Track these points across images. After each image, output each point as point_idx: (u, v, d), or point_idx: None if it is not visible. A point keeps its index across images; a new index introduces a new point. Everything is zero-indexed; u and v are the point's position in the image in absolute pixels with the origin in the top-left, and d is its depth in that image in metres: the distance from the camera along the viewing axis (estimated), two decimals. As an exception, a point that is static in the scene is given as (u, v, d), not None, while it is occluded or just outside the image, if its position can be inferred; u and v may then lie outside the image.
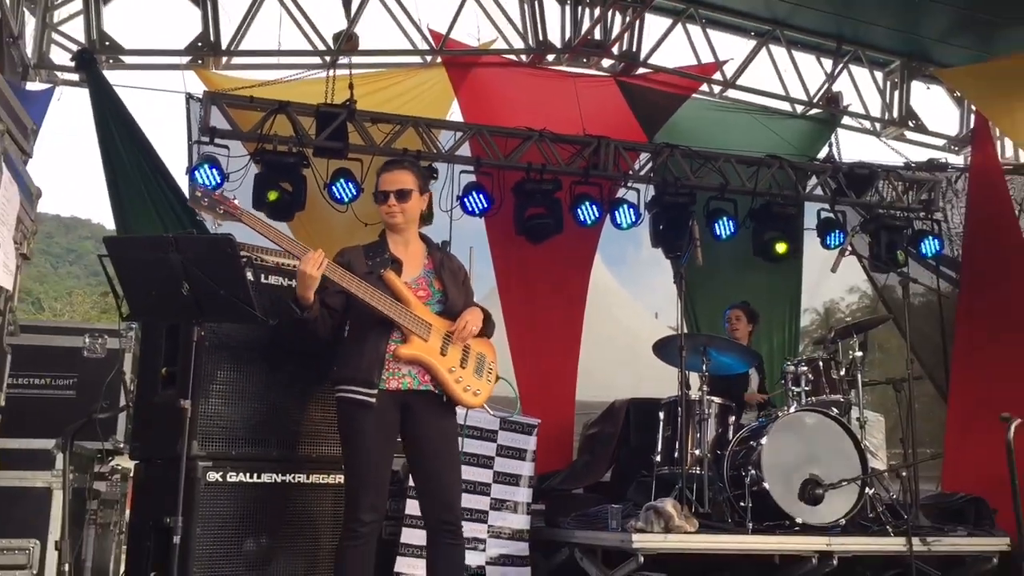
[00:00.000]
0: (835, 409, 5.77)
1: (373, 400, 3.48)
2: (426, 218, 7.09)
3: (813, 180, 8.69)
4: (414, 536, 5.20)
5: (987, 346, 7.63)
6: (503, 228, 7.73)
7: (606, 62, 8.32)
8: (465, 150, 7.68)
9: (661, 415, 6.04)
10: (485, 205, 7.48)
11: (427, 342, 3.56)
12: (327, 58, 7.51)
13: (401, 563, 5.22)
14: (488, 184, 7.57)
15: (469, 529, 5.42)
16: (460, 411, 3.78)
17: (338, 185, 7.01)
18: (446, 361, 3.58)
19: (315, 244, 3.66)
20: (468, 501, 5.51)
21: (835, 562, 5.21)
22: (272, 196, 6.83)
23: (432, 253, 3.79)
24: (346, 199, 7.02)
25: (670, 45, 8.42)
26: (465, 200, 7.46)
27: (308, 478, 4.03)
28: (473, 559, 5.43)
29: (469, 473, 5.54)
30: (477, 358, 3.68)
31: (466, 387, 3.61)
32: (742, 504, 5.32)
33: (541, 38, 8.05)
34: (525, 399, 7.37)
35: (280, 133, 7.00)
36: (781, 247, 8.34)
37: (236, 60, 7.61)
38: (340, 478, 3.87)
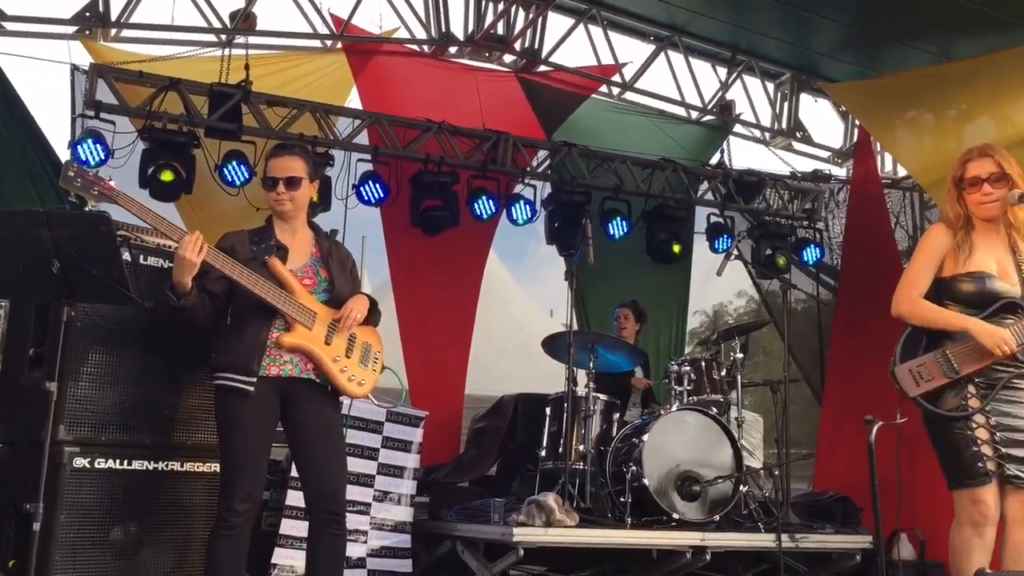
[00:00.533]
0: (715, 408, 5.91)
1: (251, 388, 3.40)
2: (317, 206, 7.05)
3: (704, 185, 8.86)
4: (294, 527, 5.11)
5: (860, 353, 7.91)
6: (399, 219, 7.66)
7: (508, 57, 8.32)
8: (363, 138, 7.56)
9: (548, 410, 6.08)
10: (381, 195, 7.38)
11: (311, 331, 3.49)
12: (222, 36, 7.30)
13: (279, 554, 5.13)
14: (385, 174, 7.47)
15: (351, 521, 5.35)
16: (345, 401, 3.73)
17: (230, 167, 6.81)
18: (331, 350, 3.52)
19: (204, 228, 3.56)
20: (351, 493, 5.41)
21: (708, 557, 5.34)
22: (167, 176, 6.60)
23: (320, 241, 3.72)
24: (238, 182, 6.83)
25: (572, 45, 8.49)
26: (361, 189, 7.35)
27: (182, 466, 3.91)
28: (354, 551, 5.36)
29: (353, 464, 5.46)
30: (363, 347, 3.63)
31: (351, 376, 3.56)
32: (622, 499, 5.39)
33: (444, 30, 8.00)
34: (414, 391, 7.40)
35: (170, 111, 6.77)
36: (677, 248, 8.49)
37: (126, 33, 7.32)
38: (216, 467, 3.76)
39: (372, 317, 3.69)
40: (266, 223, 3.69)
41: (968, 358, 3.48)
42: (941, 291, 3.63)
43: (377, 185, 7.37)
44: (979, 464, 3.42)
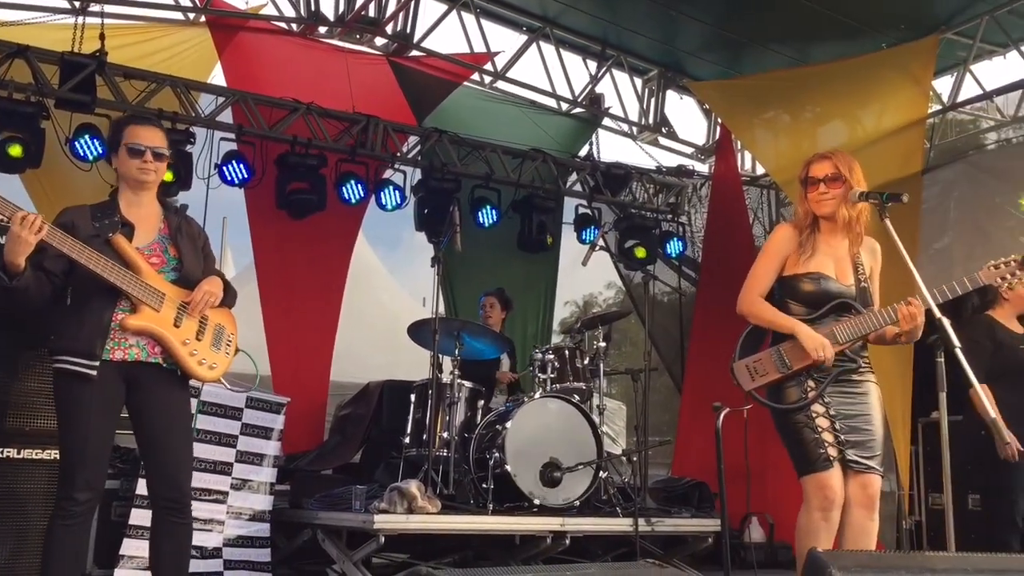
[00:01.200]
0: (577, 396, 5.98)
1: (93, 372, 3.21)
2: (174, 184, 6.77)
3: (573, 176, 8.96)
4: (145, 517, 4.85)
5: (718, 344, 8.15)
6: (263, 201, 7.44)
7: (379, 40, 8.18)
8: (226, 116, 7.31)
9: (413, 398, 6.04)
10: (245, 175, 7.15)
11: (159, 312, 3.31)
12: (76, 3, 6.89)
13: (128, 545, 4.91)
14: (249, 154, 7.24)
15: (207, 510, 5.25)
16: (200, 387, 3.58)
17: (82, 141, 6.44)
18: (180, 333, 3.36)
19: (54, 205, 3.35)
20: (207, 481, 5.30)
21: (567, 541, 5.40)
22: (15, 151, 6.19)
23: (168, 217, 3.53)
24: (91, 157, 6.47)
25: (444, 31, 8.40)
26: (224, 169, 7.10)
27: (19, 453, 3.72)
28: (209, 540, 5.22)
29: (210, 452, 5.33)
30: (215, 330, 3.48)
31: (201, 360, 3.41)
32: (485, 486, 5.40)
33: (313, 8, 7.78)
34: (278, 377, 7.25)
35: (17, 79, 6.36)
36: (549, 239, 8.57)
37: (-31, -4, 6.83)
38: (56, 454, 3.55)
39: (227, 298, 3.55)
40: (110, 198, 3.48)
41: (799, 354, 3.64)
42: (784, 289, 3.77)
43: (241, 165, 7.13)
44: (821, 451, 3.57)
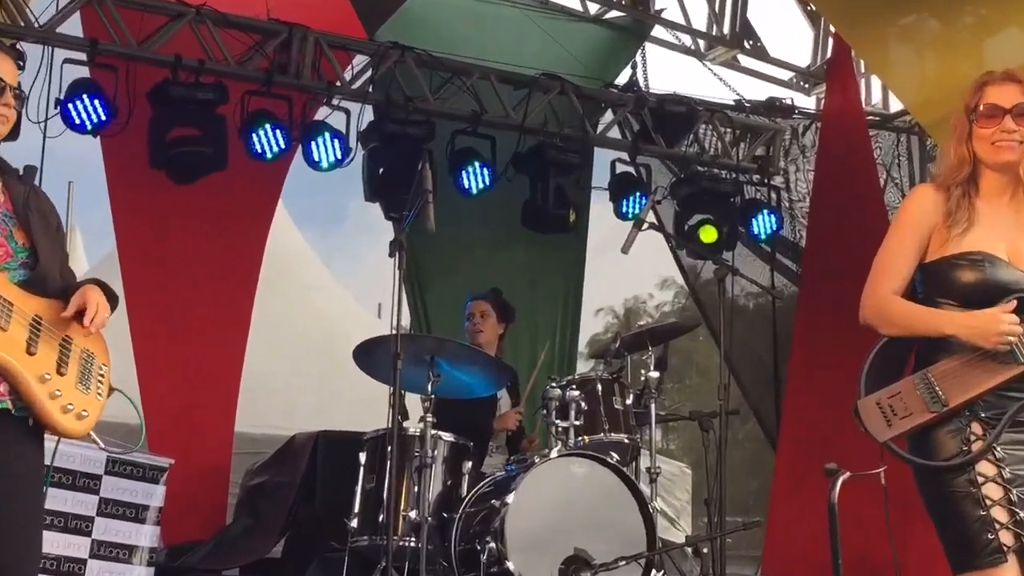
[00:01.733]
0: (616, 455, 5.99)
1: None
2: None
3: (608, 116, 9.01)
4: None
5: (834, 370, 8.15)
6: (130, 156, 7.49)
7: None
8: (73, 26, 7.35)
9: (363, 457, 6.06)
10: (103, 117, 7.18)
11: (6, 332, 3.30)
12: None
13: None
14: (109, 84, 7.27)
15: None
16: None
17: None
18: (36, 364, 3.31)
19: None
20: (48, 587, 5.34)
21: None
22: None
23: (10, 186, 3.54)
24: None
25: None
26: (70, 107, 7.13)
27: None
28: None
29: (51, 543, 5.34)
30: (82, 359, 3.47)
31: (67, 405, 3.37)
32: (476, 593, 5.43)
33: None
34: (155, 427, 7.20)
35: None
36: (571, 216, 8.63)
37: None
38: None
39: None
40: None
41: (959, 381, 3.59)
42: (929, 281, 3.75)
43: (96, 101, 7.17)
44: (989, 536, 3.57)
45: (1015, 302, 3.60)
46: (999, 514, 3.54)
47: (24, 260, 3.42)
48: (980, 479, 3.56)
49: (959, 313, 3.62)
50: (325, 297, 11.91)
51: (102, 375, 3.55)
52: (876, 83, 9.88)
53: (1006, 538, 3.55)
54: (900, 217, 3.86)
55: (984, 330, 3.57)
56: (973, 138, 3.77)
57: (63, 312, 3.43)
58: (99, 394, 3.52)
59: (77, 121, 7.17)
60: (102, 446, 3.75)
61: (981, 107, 3.76)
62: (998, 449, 3.58)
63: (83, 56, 7.32)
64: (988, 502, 3.55)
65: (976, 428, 3.58)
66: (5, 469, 3.34)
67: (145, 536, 5.67)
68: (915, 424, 3.62)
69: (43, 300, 3.41)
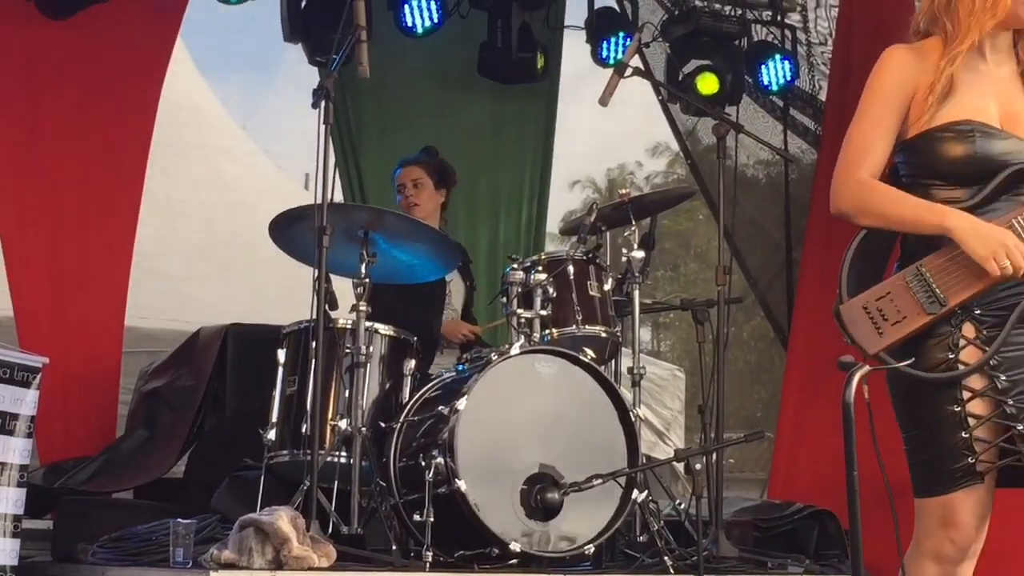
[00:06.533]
0: (591, 352, 6.01)
1: None
2: None
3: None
4: None
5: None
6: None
7: None
8: None
9: (282, 356, 6.09)
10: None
11: None
12: None
13: None
14: None
15: None
16: None
17: None
18: None
19: None
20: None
21: (574, 620, 5.52)
22: None
23: None
24: None
25: None
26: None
27: None
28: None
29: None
30: None
31: None
32: (418, 518, 5.46)
33: None
34: (27, 319, 7.38)
35: None
36: (540, 59, 8.68)
37: None
38: None
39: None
40: None
41: (960, 275, 3.64)
42: (911, 160, 3.82)
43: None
44: (966, 460, 3.65)
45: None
46: (982, 431, 3.62)
47: None
48: (967, 395, 3.63)
49: (965, 214, 3.65)
50: (237, 164, 11.85)
51: None
52: None
53: (988, 457, 3.65)
54: (873, 84, 3.87)
55: (987, 237, 3.60)
56: None
57: None
58: None
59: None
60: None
61: None
62: (995, 357, 3.64)
63: None
64: (972, 421, 3.63)
65: (967, 330, 3.63)
66: None
67: (14, 451, 5.64)
68: (911, 330, 3.65)
69: None
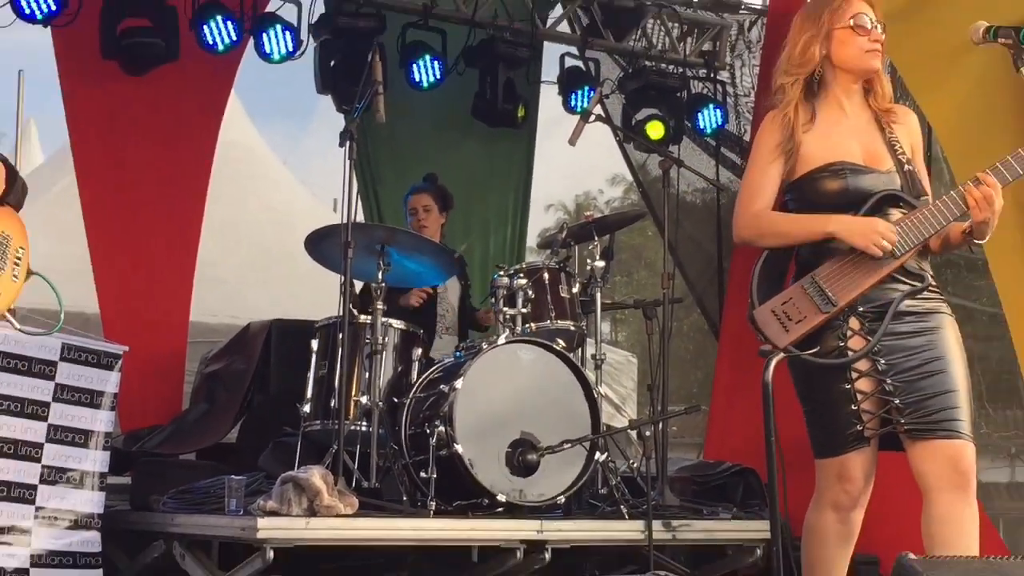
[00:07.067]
0: (562, 342, 5.99)
1: None
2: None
3: (557, 10, 8.95)
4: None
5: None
6: (82, 46, 7.33)
7: None
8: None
9: (315, 345, 6.08)
10: (52, 7, 7.02)
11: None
12: None
13: None
14: (59, -28, 7.12)
15: (5, 513, 5.31)
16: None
17: None
18: (-56, 244, 3.31)
19: None
20: (5, 470, 5.35)
21: (548, 555, 5.48)
22: None
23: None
24: None
25: None
26: (20, -4, 6.99)
27: None
28: (7, 558, 5.26)
29: (7, 427, 5.35)
30: (-3, 240, 3.45)
31: (-24, 285, 3.37)
32: (424, 475, 5.46)
33: None
34: (111, 315, 7.32)
35: None
36: (520, 111, 8.62)
37: None
38: None
39: (10, 194, 3.50)
40: None
41: (844, 280, 3.72)
42: (798, 198, 3.89)
43: (48, -10, 7.01)
44: (855, 428, 3.72)
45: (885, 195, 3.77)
46: (868, 404, 3.69)
47: None
48: (854, 375, 3.70)
49: (842, 216, 3.74)
50: (279, 191, 11.83)
51: (19, 258, 3.51)
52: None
53: (872, 425, 3.74)
54: (756, 143, 3.99)
55: (863, 230, 3.69)
56: (834, 44, 3.82)
57: None
58: (14, 276, 3.50)
59: (27, 10, 7.00)
60: (16, 326, 3.66)
61: (853, 18, 3.83)
62: (877, 344, 3.68)
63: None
64: (860, 396, 3.69)
65: (853, 323, 3.70)
66: None
67: (100, 421, 5.62)
68: (811, 326, 3.71)
69: None
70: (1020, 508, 7.33)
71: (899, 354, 3.69)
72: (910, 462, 3.70)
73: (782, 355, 3.45)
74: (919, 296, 3.75)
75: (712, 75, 9.36)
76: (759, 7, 9.54)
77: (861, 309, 3.71)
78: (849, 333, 3.70)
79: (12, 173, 3.52)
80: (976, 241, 3.76)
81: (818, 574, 3.85)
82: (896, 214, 3.75)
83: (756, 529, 6.08)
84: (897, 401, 3.66)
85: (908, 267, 3.74)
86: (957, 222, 3.72)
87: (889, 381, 3.67)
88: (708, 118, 9.07)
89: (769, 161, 3.88)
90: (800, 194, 3.85)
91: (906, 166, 3.82)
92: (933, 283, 3.81)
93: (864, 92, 3.93)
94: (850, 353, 3.68)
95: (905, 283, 3.73)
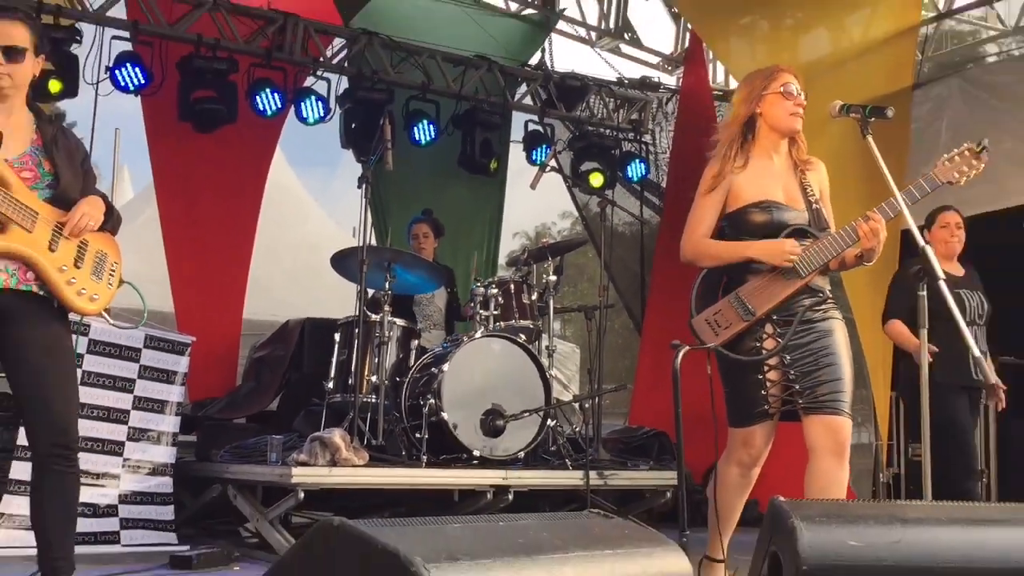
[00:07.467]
0: (523, 336, 5.99)
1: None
2: (64, 93, 6.60)
3: (523, 87, 8.91)
4: (26, 471, 4.81)
5: (684, 278, 8.18)
6: (164, 111, 7.27)
7: (299, -73, 7.97)
8: (119, 11, 7.11)
9: (337, 337, 6.03)
10: (142, 81, 6.98)
11: (31, 234, 3.21)
12: None
13: (8, 502, 4.89)
14: (147, 56, 7.06)
15: (100, 463, 5.25)
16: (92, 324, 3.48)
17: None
18: (56, 258, 3.27)
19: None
20: (99, 430, 5.29)
21: (511, 496, 5.48)
22: None
23: (42, 126, 3.41)
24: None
25: (375, -83, 8.21)
26: (117, 72, 6.92)
27: None
28: (103, 496, 5.23)
29: (102, 397, 5.33)
30: (96, 257, 3.40)
31: (80, 290, 3.33)
32: (418, 436, 5.44)
33: None
34: (183, 315, 7.22)
35: None
36: (493, 164, 8.57)
37: None
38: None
39: (109, 222, 3.46)
40: (-31, 105, 3.36)
41: (762, 295, 3.68)
42: (734, 226, 3.81)
43: (137, 69, 6.96)
44: (763, 406, 3.69)
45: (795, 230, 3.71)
46: (774, 390, 3.68)
47: (49, 183, 3.36)
48: (766, 367, 3.67)
49: (758, 241, 3.69)
50: (310, 221, 11.77)
51: (113, 270, 3.48)
52: (720, 67, 9.81)
53: (776, 405, 3.71)
54: (700, 186, 3.88)
55: (776, 251, 3.66)
56: (765, 105, 3.79)
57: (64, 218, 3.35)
58: (110, 284, 3.46)
59: (122, 84, 6.99)
60: (111, 322, 3.63)
61: (783, 86, 3.79)
62: (786, 343, 3.66)
63: (127, 34, 7.10)
64: (769, 383, 3.66)
65: (768, 328, 3.68)
66: (42, 338, 3.30)
67: (174, 394, 5.60)
68: (735, 332, 3.70)
69: (64, 212, 3.33)
70: (863, 463, 7.36)
71: (801, 351, 3.64)
72: (804, 431, 3.65)
73: (687, 348, 3.42)
74: (818, 307, 3.70)
75: (638, 137, 9.34)
76: (674, 87, 9.61)
77: (774, 318, 3.66)
78: (764, 336, 3.66)
79: (109, 207, 3.48)
80: (866, 263, 3.73)
81: (721, 511, 3.82)
82: (804, 244, 3.69)
83: (666, 478, 6.10)
84: (797, 386, 3.62)
85: (812, 284, 3.69)
86: (851, 249, 3.67)
87: (792, 372, 3.63)
88: (635, 170, 9.07)
89: (707, 200, 3.81)
90: (734, 223, 3.78)
91: (814, 205, 3.76)
92: (830, 296, 3.77)
93: (788, 144, 3.85)
94: (764, 351, 3.65)
95: (808, 297, 3.69)
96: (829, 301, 3.77)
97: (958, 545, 2.58)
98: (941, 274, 3.49)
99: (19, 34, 3.33)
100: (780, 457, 3.91)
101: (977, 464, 5.41)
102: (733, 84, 9.62)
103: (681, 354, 3.38)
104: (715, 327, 3.71)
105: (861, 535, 2.55)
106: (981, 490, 6.35)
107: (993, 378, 4.71)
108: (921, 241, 3.52)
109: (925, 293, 3.65)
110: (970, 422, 5.24)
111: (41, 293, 3.29)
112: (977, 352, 3.58)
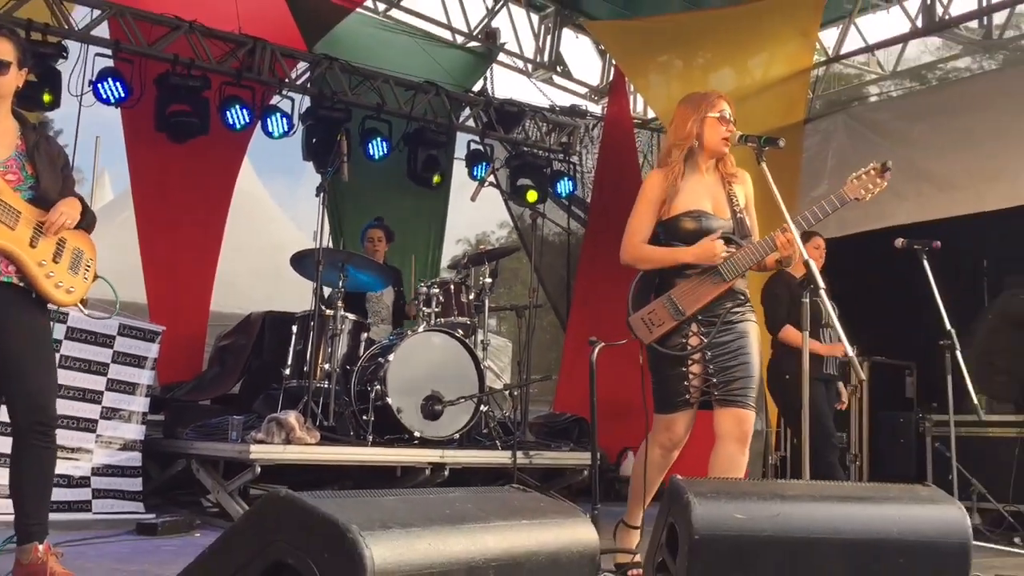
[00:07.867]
0: (461, 331, 6.00)
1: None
2: (50, 104, 6.46)
3: (466, 111, 8.89)
4: (6, 445, 4.72)
5: (604, 283, 8.28)
6: (142, 122, 7.13)
7: (269, -40, 7.88)
8: (103, 31, 6.95)
9: (295, 328, 5.99)
10: (122, 94, 6.84)
11: (13, 231, 3.15)
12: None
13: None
14: (127, 72, 6.92)
15: (75, 438, 5.15)
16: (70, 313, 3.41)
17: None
18: (35, 254, 3.21)
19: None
20: (75, 409, 5.20)
21: (447, 473, 5.49)
22: None
23: (26, 133, 3.34)
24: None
25: (337, -46, 8.14)
26: (99, 86, 6.77)
27: None
28: (76, 469, 5.13)
29: (78, 379, 5.23)
30: (73, 253, 3.34)
31: (57, 283, 3.27)
32: (365, 418, 5.42)
33: (198, -77, 7.43)
34: (155, 305, 7.09)
35: None
36: (436, 178, 8.54)
37: None
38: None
39: (84, 221, 3.40)
40: (-42, 113, 3.28)
41: (691, 297, 3.69)
42: (667, 232, 3.81)
43: (118, 84, 6.82)
44: (685, 396, 3.71)
45: (721, 236, 3.72)
46: (695, 382, 3.69)
47: (31, 185, 3.30)
48: (690, 362, 3.68)
49: (690, 248, 3.70)
50: (273, 224, 11.60)
51: (88, 265, 3.43)
52: (640, 98, 9.92)
53: (695, 394, 3.70)
54: (640, 194, 3.88)
55: (708, 254, 3.67)
56: (704, 127, 3.79)
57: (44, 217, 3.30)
58: (85, 278, 3.41)
59: (104, 96, 6.84)
60: (86, 312, 3.57)
61: (720, 112, 3.79)
62: (709, 341, 3.68)
63: (109, 52, 6.95)
64: (691, 376, 3.68)
65: (693, 327, 3.69)
66: (22, 325, 3.25)
67: (145, 377, 5.51)
68: (667, 329, 3.70)
69: (44, 212, 3.28)
70: (755, 447, 7.46)
71: (720, 349, 3.65)
72: (714, 419, 3.66)
73: (603, 344, 3.46)
74: (738, 310, 3.71)
75: (567, 158, 9.38)
76: (600, 115, 9.69)
77: (700, 318, 3.66)
78: (690, 334, 3.66)
79: (85, 208, 3.42)
80: (784, 267, 3.80)
81: (638, 486, 3.82)
82: (729, 249, 3.69)
83: (584, 458, 6.15)
84: (715, 380, 3.63)
85: (734, 288, 3.70)
86: (772, 255, 3.68)
87: (711, 367, 3.64)
88: (563, 186, 9.11)
89: (648, 207, 3.78)
90: (668, 229, 3.76)
91: (739, 214, 3.77)
92: (748, 300, 3.79)
93: (716, 160, 3.84)
94: (689, 347, 3.66)
95: (730, 301, 3.69)
96: (747, 304, 3.78)
97: (828, 518, 2.65)
98: (823, 284, 3.56)
99: (4, 48, 3.28)
100: (696, 440, 3.95)
101: (836, 441, 5.71)
102: (651, 114, 9.76)
103: (597, 350, 3.41)
104: (649, 325, 3.72)
105: (746, 509, 2.61)
106: (849, 464, 6.63)
107: (862, 375, 4.84)
108: (806, 255, 3.59)
109: (808, 300, 3.72)
110: (827, 407, 5.56)
111: (21, 284, 3.23)
112: (851, 352, 3.66)
